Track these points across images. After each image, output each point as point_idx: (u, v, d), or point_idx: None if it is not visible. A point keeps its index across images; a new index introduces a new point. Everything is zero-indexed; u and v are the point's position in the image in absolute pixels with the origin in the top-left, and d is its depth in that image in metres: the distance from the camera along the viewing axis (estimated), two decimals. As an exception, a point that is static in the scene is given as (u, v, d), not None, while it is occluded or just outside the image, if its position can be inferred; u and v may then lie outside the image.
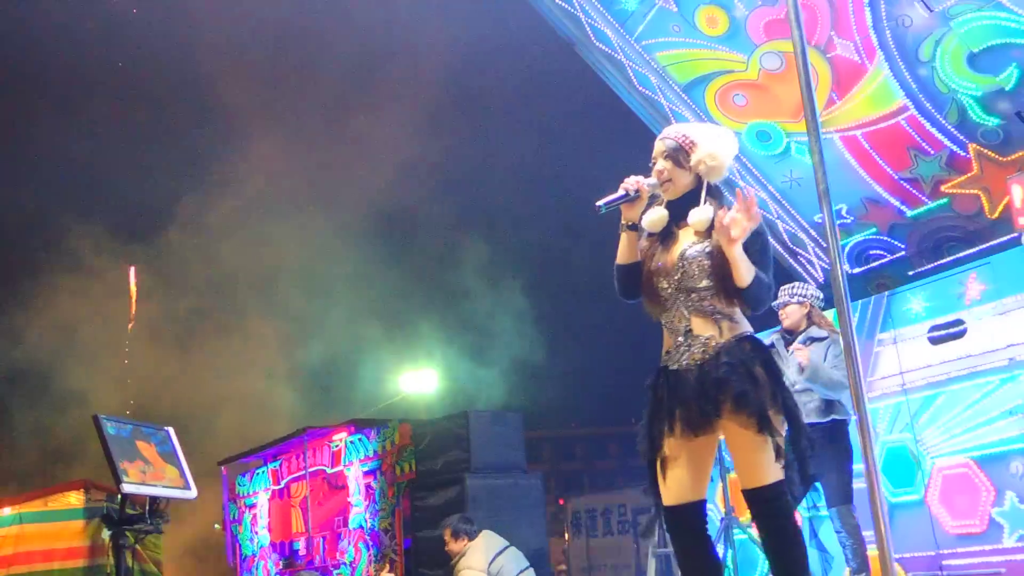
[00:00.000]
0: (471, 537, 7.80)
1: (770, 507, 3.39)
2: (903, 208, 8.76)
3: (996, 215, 8.16)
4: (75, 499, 12.77)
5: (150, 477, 4.97)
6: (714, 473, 7.45)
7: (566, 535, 17.30)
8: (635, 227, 3.67)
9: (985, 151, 8.04)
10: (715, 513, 7.80)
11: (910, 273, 8.52)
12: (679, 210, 3.61)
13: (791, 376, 5.88)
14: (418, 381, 20.93)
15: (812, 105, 3.55)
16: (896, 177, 8.61)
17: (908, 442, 6.75)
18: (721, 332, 3.48)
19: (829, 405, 5.83)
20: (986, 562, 6.21)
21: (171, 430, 5.37)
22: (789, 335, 6.13)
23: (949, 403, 6.57)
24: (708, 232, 3.53)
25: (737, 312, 3.53)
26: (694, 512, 3.51)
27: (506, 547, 7.72)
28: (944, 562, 6.41)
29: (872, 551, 5.97)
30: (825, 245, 9.19)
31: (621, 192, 3.61)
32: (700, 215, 3.54)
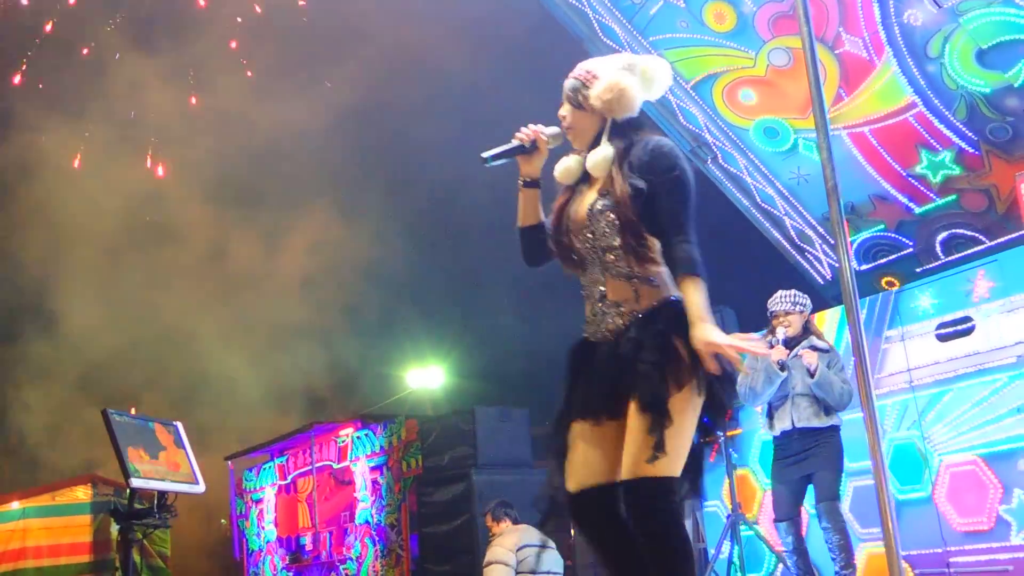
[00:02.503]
0: (513, 520, 7.83)
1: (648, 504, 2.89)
2: (911, 205, 8.74)
3: (1004, 212, 8.14)
4: (82, 493, 12.83)
5: (163, 464, 4.99)
6: (720, 469, 7.50)
7: (572, 531, 17.29)
8: (534, 183, 3.24)
9: (994, 148, 8.02)
10: (720, 510, 7.80)
11: (918, 270, 8.51)
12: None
13: (796, 380, 6.01)
14: (425, 377, 20.95)
15: (820, 101, 3.54)
16: (904, 174, 8.59)
17: (915, 439, 6.74)
18: (638, 297, 3.00)
19: (828, 410, 5.95)
20: (993, 559, 6.20)
21: (179, 424, 5.39)
22: (784, 342, 6.17)
23: (957, 400, 6.56)
24: (612, 180, 3.05)
25: (658, 273, 3.01)
26: (601, 497, 3.00)
27: (542, 545, 7.73)
28: (951, 559, 6.40)
29: (879, 548, 5.96)
30: (833, 242, 9.18)
31: (514, 143, 3.21)
32: (595, 157, 3.10)
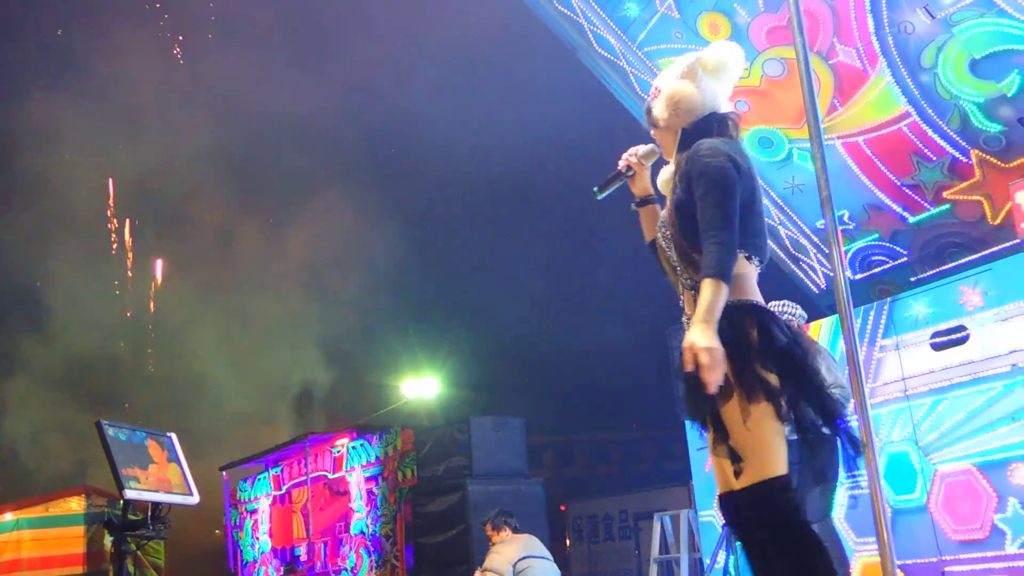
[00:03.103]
0: (513, 529, 7.74)
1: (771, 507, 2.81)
2: (905, 214, 8.75)
3: (998, 221, 8.15)
4: (76, 504, 12.80)
5: (154, 478, 4.97)
6: (713, 479, 7.48)
7: (567, 541, 17.25)
8: (646, 200, 3.30)
9: (987, 157, 8.03)
10: (716, 520, 7.79)
11: (912, 279, 8.52)
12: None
13: None
14: (420, 387, 20.93)
15: (815, 111, 3.55)
16: (898, 183, 8.61)
17: (910, 448, 6.75)
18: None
19: None
20: (988, 568, 6.20)
21: (173, 436, 5.37)
22: None
23: (951, 409, 6.57)
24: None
25: None
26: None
27: (542, 556, 7.68)
28: (946, 568, 6.40)
29: (874, 557, 5.95)
30: (827, 251, 9.19)
31: (613, 172, 3.34)
32: (662, 176, 3.22)
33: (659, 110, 3.15)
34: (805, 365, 2.88)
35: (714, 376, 2.71)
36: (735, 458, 2.81)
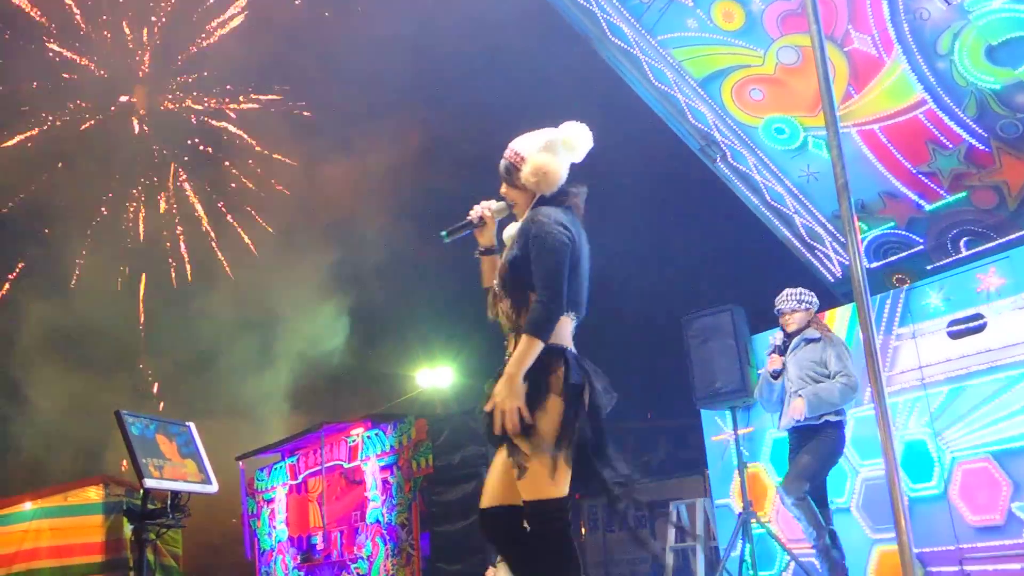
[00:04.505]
0: None
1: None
2: (921, 202, 8.71)
3: (1015, 208, 8.11)
4: (94, 494, 12.88)
5: (169, 473, 5.00)
6: (731, 467, 7.49)
7: (582, 530, 17.29)
8: (489, 251, 3.67)
9: (1004, 144, 7.99)
10: (732, 507, 7.80)
11: (928, 267, 8.49)
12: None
13: (792, 375, 6.30)
14: (435, 376, 20.98)
15: (830, 99, 3.54)
16: (914, 171, 8.57)
17: (927, 437, 6.73)
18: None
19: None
20: (1006, 556, 6.19)
21: (192, 425, 5.40)
22: (786, 340, 6.49)
23: (969, 398, 6.55)
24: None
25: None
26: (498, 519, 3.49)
27: None
28: (964, 556, 6.39)
29: (892, 546, 5.96)
30: (843, 240, 9.16)
31: (465, 220, 3.63)
32: (510, 231, 3.57)
33: (527, 175, 3.52)
34: (593, 400, 3.38)
35: (509, 423, 3.24)
36: (521, 475, 3.28)
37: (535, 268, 3.37)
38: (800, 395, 6.17)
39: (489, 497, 3.47)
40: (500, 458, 3.45)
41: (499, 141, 3.68)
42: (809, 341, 6.31)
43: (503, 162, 3.62)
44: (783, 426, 6.40)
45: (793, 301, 6.45)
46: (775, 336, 6.65)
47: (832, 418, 6.10)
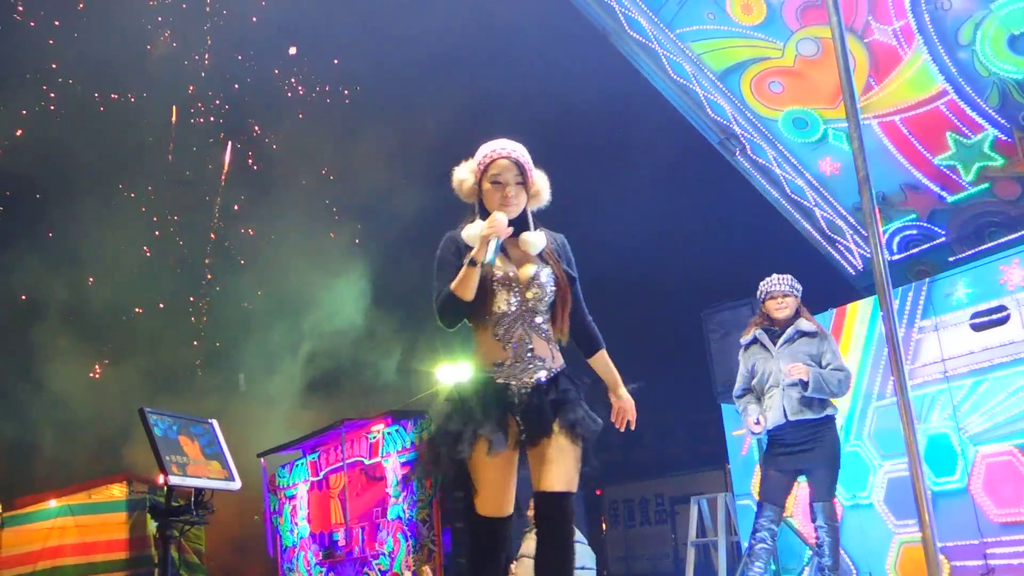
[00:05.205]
0: None
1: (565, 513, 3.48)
2: (943, 194, 8.66)
3: (1038, 200, 8.05)
4: (118, 491, 12.99)
5: (192, 470, 5.03)
6: (752, 462, 7.45)
7: (604, 525, 17.27)
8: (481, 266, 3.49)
9: (1027, 135, 7.93)
10: (753, 503, 7.77)
11: (951, 259, 8.43)
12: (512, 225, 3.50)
13: (783, 370, 5.75)
14: (455, 373, 20.98)
15: (851, 91, 3.51)
16: (936, 162, 8.51)
17: (950, 430, 6.69)
18: (554, 359, 3.56)
19: (822, 400, 5.70)
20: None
21: (215, 422, 5.43)
22: (771, 329, 5.95)
23: (992, 390, 6.50)
24: (539, 256, 3.57)
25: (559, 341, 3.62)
26: (508, 526, 3.59)
27: (577, 540, 7.74)
28: (988, 551, 6.35)
29: (915, 540, 5.93)
30: (864, 232, 9.11)
31: (495, 238, 3.39)
32: (533, 237, 3.55)
33: (541, 185, 3.60)
34: None
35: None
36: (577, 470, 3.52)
37: (578, 288, 3.67)
38: (804, 368, 5.67)
39: (501, 506, 3.56)
40: (499, 469, 3.51)
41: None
42: (804, 334, 5.85)
43: (519, 157, 3.54)
44: (772, 421, 5.78)
45: (786, 285, 5.96)
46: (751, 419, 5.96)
47: (831, 411, 5.73)
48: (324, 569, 13.24)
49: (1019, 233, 7.83)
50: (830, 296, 8.46)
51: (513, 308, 3.51)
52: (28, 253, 19.79)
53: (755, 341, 6.00)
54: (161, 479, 4.92)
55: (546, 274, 3.53)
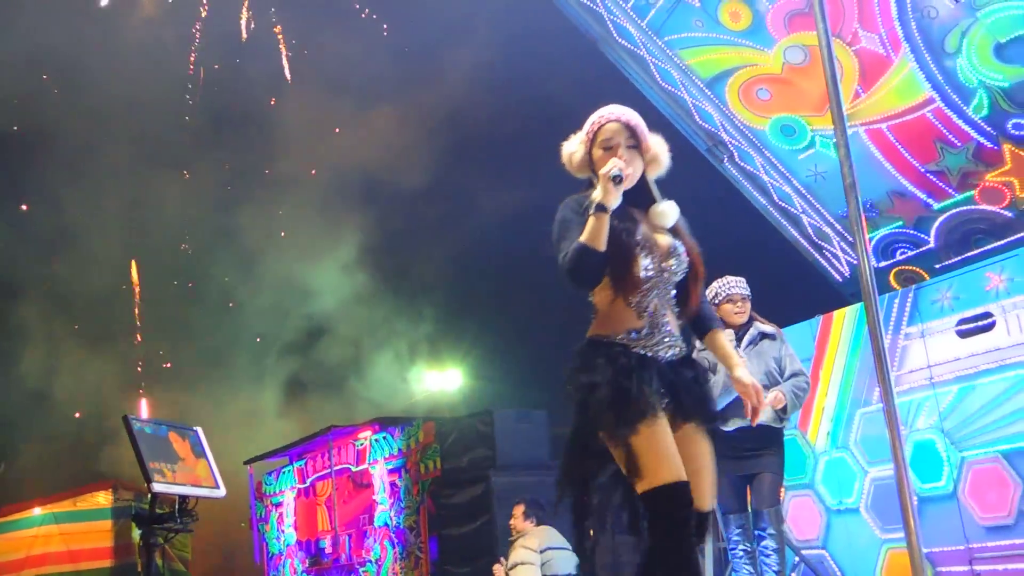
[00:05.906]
0: (538, 522, 7.86)
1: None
2: (929, 201, 8.69)
3: (1024, 207, 8.09)
4: (103, 499, 12.93)
5: (179, 477, 5.00)
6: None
7: (591, 532, 17.23)
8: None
9: (1013, 142, 7.96)
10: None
11: (937, 266, 8.46)
12: (629, 196, 3.26)
13: (753, 371, 5.39)
14: (442, 380, 20.96)
15: (838, 98, 3.52)
16: (922, 170, 8.54)
17: (936, 436, 6.70)
18: (682, 335, 3.37)
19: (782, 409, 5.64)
20: (1016, 556, 6.15)
21: (199, 430, 5.40)
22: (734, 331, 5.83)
23: (978, 397, 6.51)
24: (670, 230, 3.38)
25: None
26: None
27: (562, 547, 7.76)
28: (974, 556, 6.35)
29: (901, 546, 5.92)
30: (851, 239, 9.13)
31: (617, 170, 3.18)
32: (670, 209, 3.36)
33: (659, 150, 3.38)
34: None
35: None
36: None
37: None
38: (780, 390, 5.60)
39: (682, 469, 3.15)
40: (670, 434, 3.17)
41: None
42: (766, 336, 5.78)
43: (630, 119, 3.34)
44: (736, 425, 5.50)
45: (744, 287, 5.85)
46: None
47: (787, 424, 5.71)
48: (311, 576, 13.19)
49: (1005, 240, 7.87)
50: (817, 303, 8.50)
51: (651, 274, 3.27)
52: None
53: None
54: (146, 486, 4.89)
55: (681, 248, 3.36)
